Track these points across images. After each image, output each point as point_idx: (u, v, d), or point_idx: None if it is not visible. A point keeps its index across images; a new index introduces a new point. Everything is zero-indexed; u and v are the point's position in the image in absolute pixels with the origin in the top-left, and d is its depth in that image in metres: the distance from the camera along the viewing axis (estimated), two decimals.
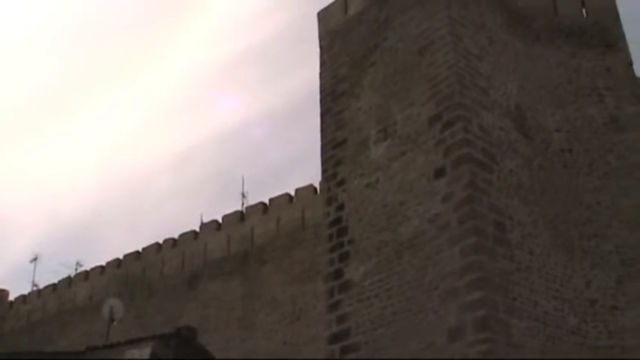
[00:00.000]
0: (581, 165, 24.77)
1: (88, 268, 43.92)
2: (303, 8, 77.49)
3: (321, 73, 27.00)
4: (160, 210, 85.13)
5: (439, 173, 20.67)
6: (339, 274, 22.40)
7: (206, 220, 38.46)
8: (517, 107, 23.83)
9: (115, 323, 29.30)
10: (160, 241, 40.18)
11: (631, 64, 27.52)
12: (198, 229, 38.39)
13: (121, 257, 42.07)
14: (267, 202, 35.62)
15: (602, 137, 25.40)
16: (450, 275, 19.23)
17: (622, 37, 28.10)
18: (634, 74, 27.39)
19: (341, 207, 23.42)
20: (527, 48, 26.49)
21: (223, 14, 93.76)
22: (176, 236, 39.44)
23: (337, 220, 23.34)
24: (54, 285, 45.60)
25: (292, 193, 34.50)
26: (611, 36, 27.97)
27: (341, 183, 23.81)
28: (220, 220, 37.41)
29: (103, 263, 42.95)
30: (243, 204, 37.32)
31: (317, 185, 32.07)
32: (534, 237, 21.33)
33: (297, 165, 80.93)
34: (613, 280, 22.68)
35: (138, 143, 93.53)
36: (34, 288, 47.62)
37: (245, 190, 38.22)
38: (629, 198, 24.33)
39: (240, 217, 36.47)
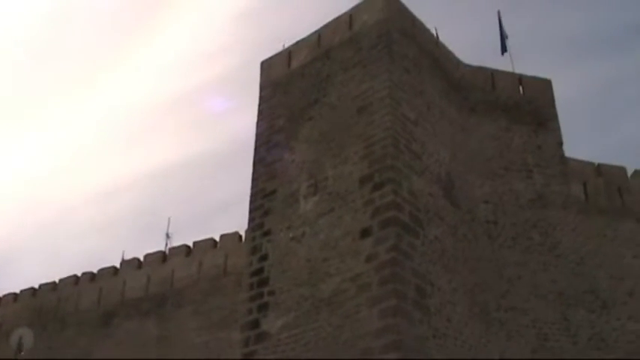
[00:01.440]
0: (504, 238, 25.17)
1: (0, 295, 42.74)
2: (246, 55, 77.81)
3: (258, 122, 27.07)
4: (82, 243, 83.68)
5: (365, 233, 20.72)
6: (256, 324, 22.21)
7: (128, 257, 37.89)
8: (447, 175, 24.16)
9: (22, 354, 28.56)
10: (79, 274, 39.37)
11: (561, 143, 28.24)
12: (118, 266, 37.75)
13: (36, 287, 41.06)
14: (190, 245, 35.24)
15: (527, 212, 25.93)
16: (366, 335, 19.16)
17: (555, 117, 28.86)
18: (563, 154, 28.08)
19: (264, 257, 23.31)
20: (463, 118, 27.00)
21: (166, 53, 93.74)
22: (95, 271, 38.70)
23: (259, 271, 23.21)
24: None
25: (217, 238, 34.22)
26: (544, 115, 28.71)
27: (267, 233, 23.74)
28: (142, 259, 36.84)
29: (17, 291, 41.86)
30: (166, 244, 36.92)
31: (242, 233, 31.86)
32: (453, 304, 21.45)
33: (225, 211, 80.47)
34: (527, 352, 22.96)
35: (65, 174, 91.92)
36: None
37: (170, 230, 37.88)
38: (548, 274, 24.84)
39: (162, 257, 35.97)
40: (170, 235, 37.52)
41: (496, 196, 25.97)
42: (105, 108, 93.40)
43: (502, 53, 32.11)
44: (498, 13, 33.36)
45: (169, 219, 38.88)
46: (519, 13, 79.04)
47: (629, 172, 29.43)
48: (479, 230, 24.77)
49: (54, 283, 40.23)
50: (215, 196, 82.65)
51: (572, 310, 24.45)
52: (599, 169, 28.82)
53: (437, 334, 20.14)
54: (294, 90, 26.40)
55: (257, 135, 26.75)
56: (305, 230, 22.61)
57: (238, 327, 23.77)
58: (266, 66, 28.61)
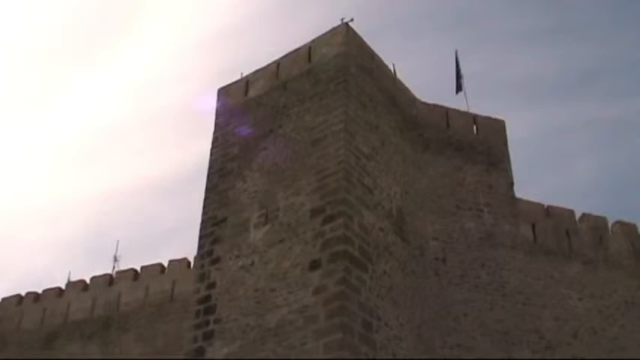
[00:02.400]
0: (453, 275, 25.33)
1: None
2: (205, 82, 77.70)
3: (212, 149, 27.03)
4: (28, 263, 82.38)
5: (314, 265, 20.69)
6: (200, 352, 21.99)
7: (74, 279, 37.43)
8: (399, 211, 24.29)
9: None
10: (22, 294, 38.78)
11: (512, 184, 28.59)
12: (64, 287, 37.26)
13: None
14: (138, 269, 34.94)
15: (476, 251, 26.14)
16: None
17: (507, 157, 29.25)
18: (513, 194, 28.43)
19: (212, 285, 23.15)
20: (416, 155, 27.22)
21: (121, 78, 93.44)
22: (40, 291, 38.16)
23: (206, 298, 23.03)
24: None
25: (165, 263, 33.99)
26: (497, 155, 29.06)
27: (216, 261, 23.60)
28: (88, 281, 36.43)
29: None
30: (114, 267, 36.57)
31: (191, 259, 31.66)
32: (399, 340, 21.46)
33: (175, 237, 79.94)
34: None
35: (12, 193, 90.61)
36: None
37: (118, 254, 37.56)
38: (494, 313, 25.00)
39: (109, 280, 35.62)
40: (118, 258, 37.27)
41: (446, 233, 26.18)
42: (57, 129, 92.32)
43: (456, 92, 32.58)
44: (456, 52, 33.91)
45: (118, 242, 38.63)
46: (478, 53, 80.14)
47: (578, 215, 29.87)
48: (428, 267, 24.91)
49: None
50: (166, 221, 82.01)
51: (517, 350, 24.61)
52: (549, 211, 29.19)
53: None
54: (250, 119, 26.41)
55: (210, 162, 26.70)
56: (254, 259, 22.54)
57: (183, 354, 23.55)
58: (223, 93, 28.62)
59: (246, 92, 27.67)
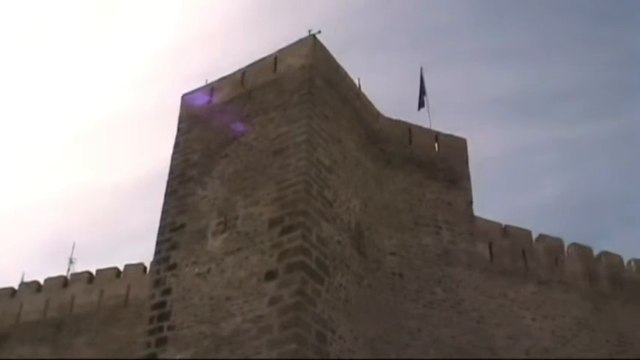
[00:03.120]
0: (408, 291, 25.43)
1: None
2: (169, 87, 77.42)
3: (173, 155, 26.87)
4: None
5: (270, 276, 20.66)
6: (153, 358, 21.82)
7: (28, 279, 36.98)
8: (357, 224, 24.34)
9: None
10: None
11: (471, 202, 28.81)
12: (16, 288, 36.78)
13: None
14: (94, 272, 34.63)
15: (432, 268, 26.28)
16: None
17: (467, 176, 29.49)
18: (472, 213, 28.64)
19: (167, 291, 22.99)
20: (377, 169, 27.33)
21: (85, 81, 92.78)
22: None
23: (161, 304, 22.85)
24: None
25: (121, 268, 33.73)
26: (457, 173, 29.28)
27: (172, 267, 23.44)
28: (42, 282, 36.02)
29: None
30: (69, 270, 36.19)
31: (148, 265, 31.44)
32: (352, 353, 21.47)
33: (133, 241, 79.25)
34: None
35: None
36: None
37: (74, 256, 37.16)
38: (449, 329, 25.14)
39: (63, 282, 35.24)
40: (74, 260, 36.85)
41: (404, 249, 26.29)
42: (18, 132, 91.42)
43: (419, 108, 32.74)
44: (421, 69, 34.12)
45: (74, 244, 38.18)
46: (446, 70, 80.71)
47: (534, 236, 30.13)
48: (384, 281, 24.98)
49: None
50: (125, 225, 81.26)
51: None
52: (506, 231, 29.45)
53: None
54: (213, 126, 26.35)
55: (171, 167, 26.54)
56: (211, 267, 22.43)
57: None
58: (187, 99, 28.52)
59: (210, 99, 27.58)
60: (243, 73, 27.28)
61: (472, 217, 28.64)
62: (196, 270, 22.76)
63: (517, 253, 28.97)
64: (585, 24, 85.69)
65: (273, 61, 26.57)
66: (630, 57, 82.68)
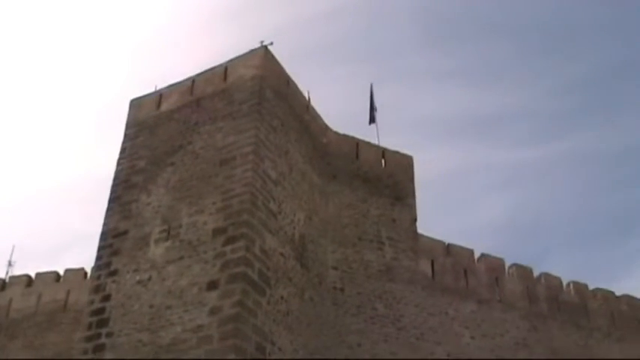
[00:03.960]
0: (350, 305, 25.50)
1: None
2: (119, 92, 76.79)
3: (119, 160, 26.60)
4: None
5: (212, 286, 20.55)
6: None
7: None
8: (301, 237, 24.38)
9: None
10: None
11: (415, 219, 29.03)
12: None
13: None
14: (33, 275, 34.11)
15: (374, 283, 26.40)
16: None
17: (412, 193, 29.71)
18: (416, 230, 28.85)
19: (107, 298, 22.73)
20: (323, 183, 27.42)
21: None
22: None
23: (100, 311, 22.57)
24: None
25: (61, 272, 33.28)
26: (402, 190, 29.48)
27: (113, 274, 23.18)
28: None
29: None
30: (7, 272, 35.62)
31: (89, 270, 31.07)
32: None
33: (76, 246, 78.15)
34: None
35: None
36: None
37: (14, 259, 36.59)
38: (388, 345, 25.27)
39: (1, 285, 34.61)
40: (12, 263, 36.27)
41: (346, 263, 26.37)
42: None
43: (369, 123, 32.92)
44: (371, 85, 34.28)
45: (13, 247, 37.60)
46: (391, 88, 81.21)
47: (476, 255, 30.42)
48: (326, 295, 25.03)
49: None
50: (66, 229, 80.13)
51: None
52: (449, 249, 29.69)
53: None
54: (160, 133, 26.20)
55: (116, 173, 26.29)
56: (152, 275, 22.23)
57: None
58: (135, 105, 28.30)
59: (158, 106, 27.41)
60: (192, 82, 27.18)
61: (416, 235, 28.83)
62: (137, 277, 22.53)
63: (459, 271, 29.21)
64: (531, 50, 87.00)
65: (224, 70, 26.52)
66: (572, 84, 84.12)
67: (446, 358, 25.89)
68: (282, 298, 22.10)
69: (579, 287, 32.80)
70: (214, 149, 24.07)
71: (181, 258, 21.95)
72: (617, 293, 34.11)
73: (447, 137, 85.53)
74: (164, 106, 27.22)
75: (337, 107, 59.81)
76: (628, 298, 34.04)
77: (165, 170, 24.79)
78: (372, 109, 33.44)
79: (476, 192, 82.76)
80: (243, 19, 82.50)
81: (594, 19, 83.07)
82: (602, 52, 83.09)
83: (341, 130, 30.25)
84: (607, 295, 33.42)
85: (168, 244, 22.63)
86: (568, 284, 32.66)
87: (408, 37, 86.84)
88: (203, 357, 19.35)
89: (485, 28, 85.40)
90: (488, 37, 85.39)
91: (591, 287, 33.36)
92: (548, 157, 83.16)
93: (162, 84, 28.35)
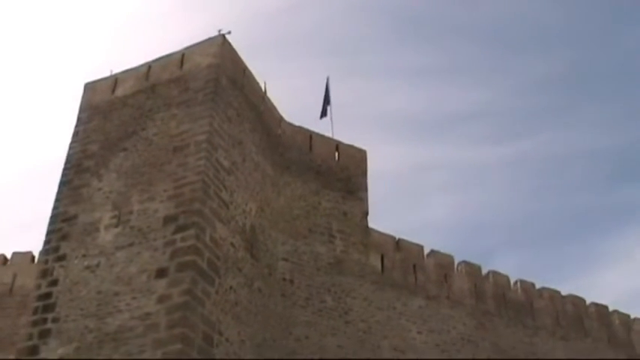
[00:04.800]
0: (298, 297, 25.54)
1: None
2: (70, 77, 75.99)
3: (71, 144, 26.28)
4: None
5: (161, 273, 20.40)
6: (34, 350, 21.23)
7: None
8: (252, 228, 24.36)
9: None
10: None
11: (366, 213, 29.15)
12: None
13: None
14: None
15: (324, 276, 26.48)
16: None
17: (364, 188, 29.82)
18: (367, 224, 28.96)
19: (54, 283, 22.45)
20: (276, 175, 27.41)
21: None
22: None
23: (47, 295, 22.28)
24: None
25: (8, 255, 32.85)
26: (355, 184, 29.58)
27: (61, 258, 22.90)
28: None
29: None
30: None
31: (37, 254, 30.71)
32: (238, 356, 21.44)
33: (28, 229, 77.20)
34: None
35: None
36: None
37: None
38: (336, 338, 25.33)
39: None
40: None
41: (296, 255, 26.40)
42: None
43: (321, 117, 32.98)
44: (327, 79, 34.30)
45: None
46: (349, 83, 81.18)
47: (426, 251, 30.65)
48: (275, 286, 25.04)
49: None
50: (15, 213, 79.01)
51: None
52: (399, 244, 29.88)
53: None
54: (114, 118, 25.96)
55: (68, 156, 25.95)
56: (101, 261, 22.01)
57: (15, 351, 22.79)
58: (89, 89, 27.99)
59: (113, 90, 27.17)
60: (149, 68, 26.97)
61: (367, 229, 28.97)
62: (86, 263, 22.30)
63: (408, 267, 29.42)
64: (492, 50, 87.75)
65: (180, 57, 26.37)
66: (531, 85, 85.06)
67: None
68: (231, 288, 22.06)
69: (526, 286, 33.24)
70: (168, 136, 23.92)
71: (131, 245, 21.78)
72: (563, 293, 34.66)
73: (408, 134, 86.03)
74: (119, 91, 26.97)
75: (295, 100, 59.89)
76: (573, 298, 34.59)
77: (118, 156, 24.58)
78: (326, 102, 33.51)
79: (431, 189, 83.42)
80: (204, 10, 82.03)
81: (561, 20, 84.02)
82: (566, 53, 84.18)
83: (296, 123, 30.28)
84: (553, 295, 33.91)
85: (118, 230, 22.43)
86: (515, 283, 33.09)
87: (372, 33, 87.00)
88: (149, 345, 19.22)
89: (451, 26, 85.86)
90: (453, 35, 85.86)
91: (538, 287, 33.84)
92: (508, 157, 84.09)
93: (118, 69, 28.14)
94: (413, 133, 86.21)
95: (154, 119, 24.87)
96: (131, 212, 22.62)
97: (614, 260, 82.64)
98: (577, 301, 34.73)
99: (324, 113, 33.06)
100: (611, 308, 36.19)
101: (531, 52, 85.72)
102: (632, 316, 36.79)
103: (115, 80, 27.53)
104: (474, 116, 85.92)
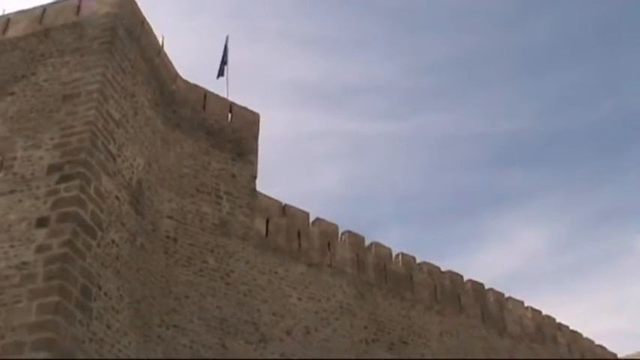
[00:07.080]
0: (181, 256, 25.41)
1: None
2: None
3: None
4: None
5: (41, 223, 19.86)
6: None
7: None
8: (138, 183, 24.03)
9: None
10: None
11: (255, 177, 29.16)
12: None
13: None
14: None
15: (208, 236, 26.41)
16: (20, 328, 18.20)
17: (255, 151, 29.82)
18: (254, 188, 28.98)
19: None
20: (167, 131, 27.08)
21: None
22: None
23: None
24: None
25: None
26: (245, 147, 29.52)
27: None
28: None
29: None
30: None
31: None
32: (116, 312, 21.17)
33: None
34: None
35: None
36: None
37: None
38: (215, 299, 25.37)
39: None
40: None
41: (181, 214, 26.22)
42: None
43: (217, 77, 32.74)
44: (226, 38, 34.02)
45: None
46: (249, 46, 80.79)
47: (312, 219, 30.90)
48: (157, 244, 24.82)
49: None
50: None
51: (231, 338, 25.08)
52: (285, 210, 30.06)
53: (94, 339, 19.71)
54: (3, 61, 25.08)
55: None
56: None
57: None
58: None
59: (4, 31, 26.22)
60: (43, 10, 26.12)
61: (254, 192, 28.99)
62: None
63: (293, 233, 29.64)
64: (396, 28, 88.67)
65: (78, 3, 25.65)
66: (431, 65, 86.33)
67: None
68: (113, 242, 21.73)
69: (407, 259, 33.98)
70: (59, 83, 23.26)
71: (12, 192, 21.10)
72: (443, 269, 35.56)
73: (304, 102, 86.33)
74: (10, 32, 26.02)
75: (192, 59, 59.15)
76: (451, 274, 35.59)
77: (5, 100, 23.75)
78: (224, 62, 33.24)
79: (322, 158, 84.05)
80: None
81: (469, 4, 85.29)
82: (469, 37, 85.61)
83: (192, 80, 29.94)
84: (432, 269, 34.80)
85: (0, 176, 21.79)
86: (397, 255, 33.74)
87: None
88: (25, 296, 18.69)
89: (356, 0, 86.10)
90: (358, 9, 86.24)
91: (419, 261, 34.60)
92: (401, 133, 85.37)
93: (11, 10, 27.17)
94: (309, 102, 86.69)
95: (45, 65, 24.12)
96: (14, 158, 21.91)
97: (493, 241, 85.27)
98: (455, 277, 35.72)
99: (220, 73, 32.82)
100: (487, 287, 37.37)
101: (435, 33, 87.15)
102: (506, 295, 38.09)
103: (7, 21, 26.55)
104: (371, 90, 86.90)
